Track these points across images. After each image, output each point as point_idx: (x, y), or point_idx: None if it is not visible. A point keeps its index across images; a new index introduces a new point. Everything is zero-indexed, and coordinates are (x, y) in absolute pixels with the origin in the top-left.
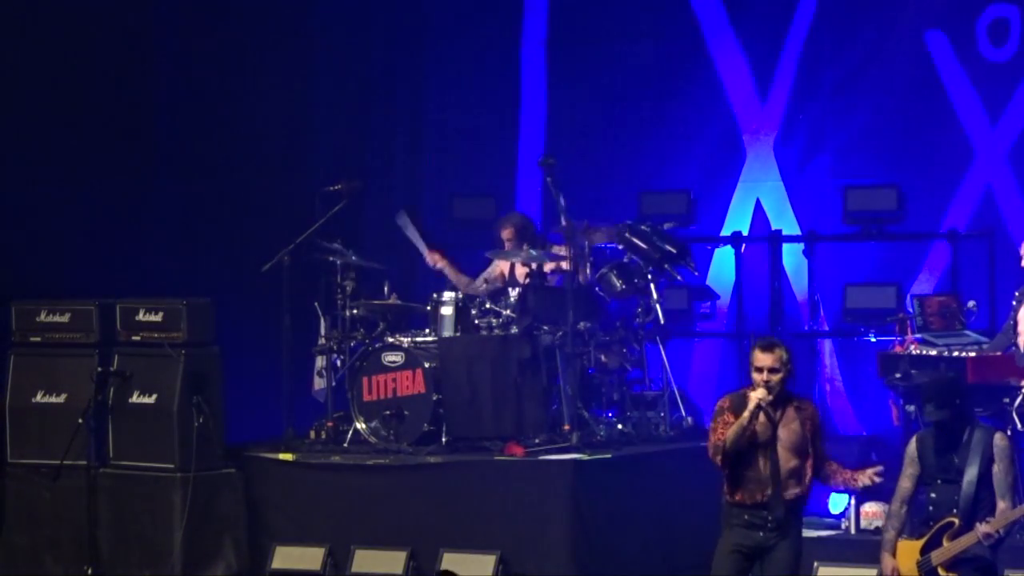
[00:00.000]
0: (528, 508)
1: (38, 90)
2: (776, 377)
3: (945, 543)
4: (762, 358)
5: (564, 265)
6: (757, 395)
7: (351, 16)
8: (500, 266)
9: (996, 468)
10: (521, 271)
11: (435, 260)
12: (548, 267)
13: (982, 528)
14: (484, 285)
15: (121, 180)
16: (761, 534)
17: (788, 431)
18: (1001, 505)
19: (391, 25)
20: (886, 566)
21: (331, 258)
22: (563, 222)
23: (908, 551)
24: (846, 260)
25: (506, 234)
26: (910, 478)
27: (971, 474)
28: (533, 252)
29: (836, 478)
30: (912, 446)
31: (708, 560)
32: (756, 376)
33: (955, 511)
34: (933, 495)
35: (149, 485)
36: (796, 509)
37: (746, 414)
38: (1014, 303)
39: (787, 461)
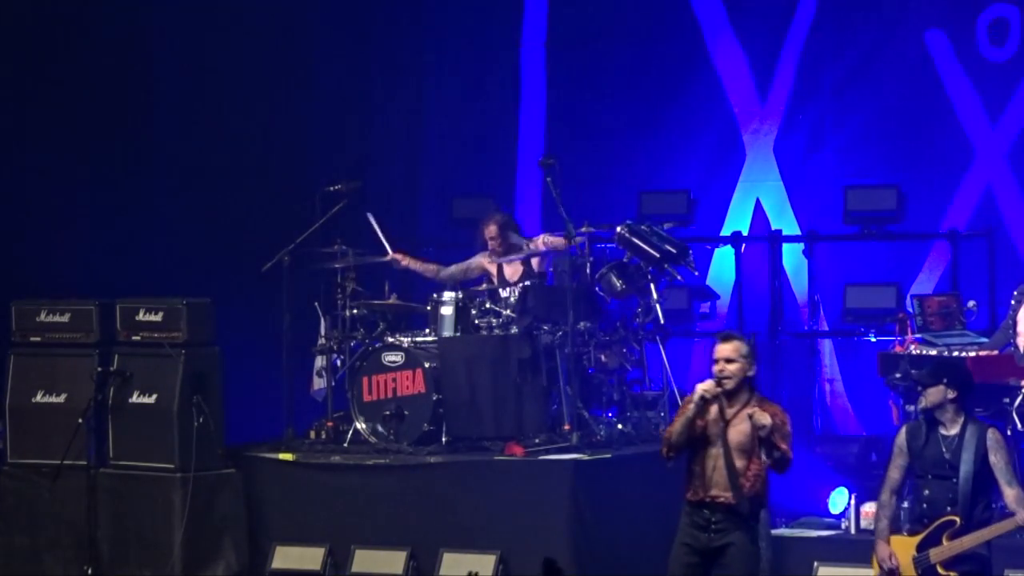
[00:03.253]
0: (528, 508)
1: (38, 91)
2: (732, 367)
3: (945, 542)
4: (721, 348)
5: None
6: (703, 386)
7: (351, 16)
8: (483, 261)
9: (995, 459)
10: (509, 270)
11: (400, 259)
12: (534, 264)
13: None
14: (458, 273)
15: (121, 180)
16: (705, 535)
17: (736, 431)
18: (1011, 492)
19: (391, 25)
20: (882, 553)
21: (334, 264)
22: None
23: (902, 547)
24: (846, 260)
25: (489, 232)
26: (899, 468)
27: (966, 471)
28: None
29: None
30: (901, 436)
31: None
32: (715, 368)
33: (950, 509)
34: (926, 492)
35: (149, 485)
36: (743, 511)
37: (690, 405)
38: (1013, 303)
39: (733, 461)
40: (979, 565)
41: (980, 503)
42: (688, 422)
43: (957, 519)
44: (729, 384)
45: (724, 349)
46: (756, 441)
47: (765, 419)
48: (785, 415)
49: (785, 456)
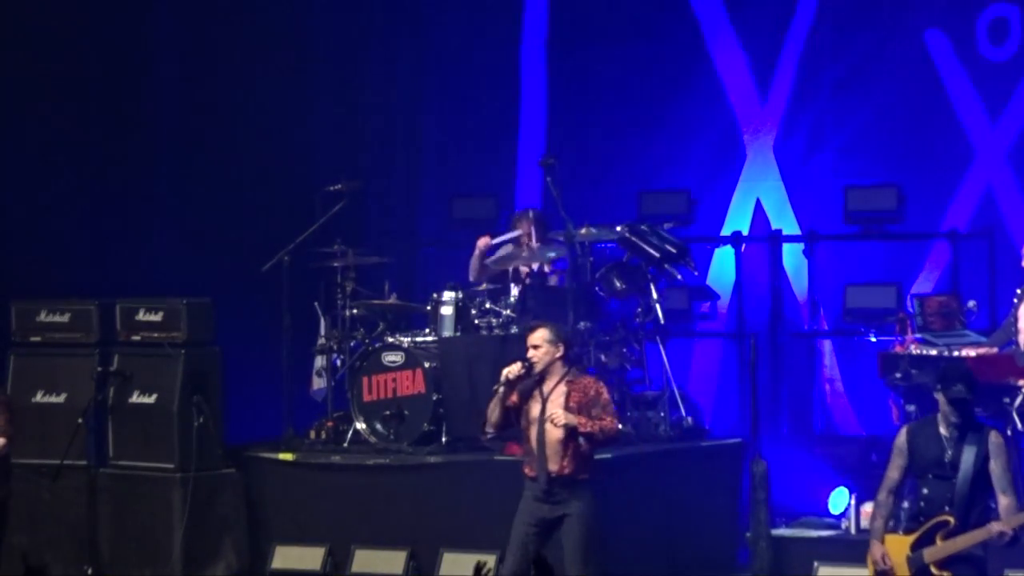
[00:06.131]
0: None
1: (38, 91)
2: (538, 352)
3: (939, 542)
4: (529, 337)
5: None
6: (507, 369)
7: (350, 16)
8: (523, 226)
9: (994, 464)
10: (523, 268)
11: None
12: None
13: (996, 526)
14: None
15: (121, 180)
16: (545, 506)
17: (554, 406)
18: (1004, 501)
19: (391, 25)
20: (875, 553)
21: (334, 264)
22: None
23: (897, 545)
24: (846, 260)
25: (523, 228)
26: (898, 469)
27: (966, 472)
28: (537, 251)
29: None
30: (902, 437)
31: (708, 560)
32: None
33: (947, 509)
34: (925, 491)
35: (149, 485)
36: (576, 481)
37: (499, 388)
38: (1015, 300)
39: (551, 434)
40: (975, 566)
41: (978, 505)
42: (500, 402)
43: (951, 519)
44: (537, 367)
45: (531, 337)
46: (577, 412)
47: (561, 420)
48: (600, 386)
49: (604, 432)
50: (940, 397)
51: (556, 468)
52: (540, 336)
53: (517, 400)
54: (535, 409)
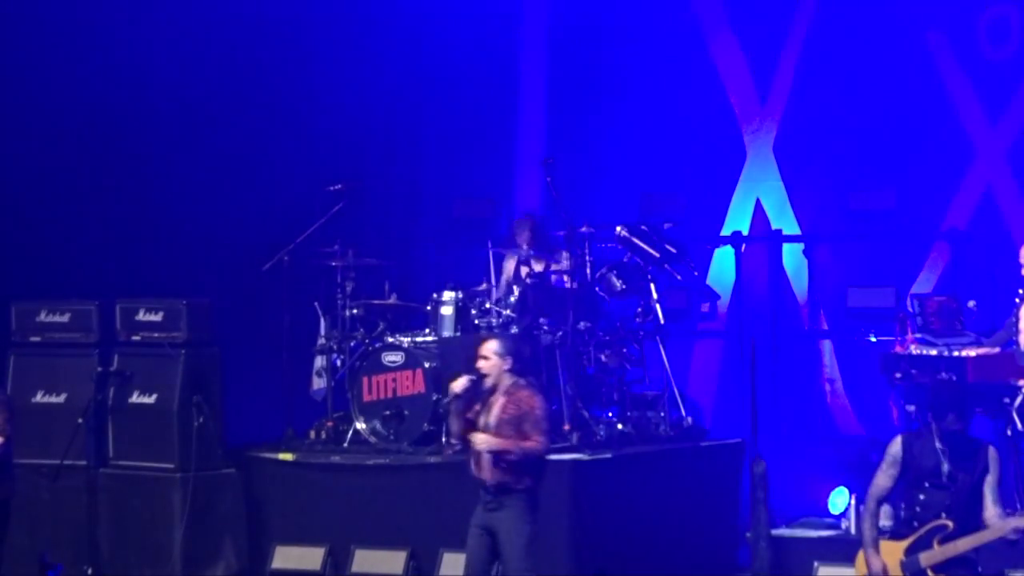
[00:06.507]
0: None
1: (39, 91)
2: (486, 364)
3: (936, 546)
4: (480, 348)
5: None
6: (453, 384)
7: (351, 16)
8: (508, 269)
9: (991, 478)
10: (523, 268)
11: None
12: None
13: (1013, 522)
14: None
15: (121, 180)
16: (486, 514)
17: (491, 416)
18: (996, 508)
19: (390, 25)
20: (874, 565)
21: (334, 264)
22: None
23: (889, 551)
24: (846, 260)
25: (522, 238)
26: (890, 478)
27: (966, 482)
28: (533, 253)
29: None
30: (896, 447)
31: (708, 560)
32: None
33: (943, 515)
34: (922, 497)
35: (149, 485)
36: (510, 490)
37: (449, 401)
38: (1017, 300)
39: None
40: (970, 568)
41: (974, 512)
42: (458, 415)
43: (950, 524)
44: (488, 380)
45: (482, 348)
46: (506, 421)
47: (479, 445)
48: (535, 401)
49: (525, 451)
50: (932, 424)
51: (489, 477)
52: (490, 348)
53: (480, 409)
54: (481, 419)
